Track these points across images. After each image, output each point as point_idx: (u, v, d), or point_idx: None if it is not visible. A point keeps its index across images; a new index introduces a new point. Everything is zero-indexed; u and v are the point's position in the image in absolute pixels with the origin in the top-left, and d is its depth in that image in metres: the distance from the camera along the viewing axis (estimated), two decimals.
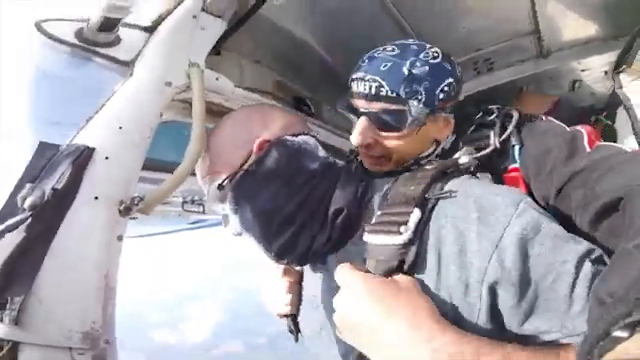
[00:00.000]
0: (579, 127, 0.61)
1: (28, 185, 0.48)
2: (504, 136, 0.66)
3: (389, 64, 0.62)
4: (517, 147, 0.65)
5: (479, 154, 0.65)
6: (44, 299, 0.47)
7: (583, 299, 0.41)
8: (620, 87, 1.16)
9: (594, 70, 1.46)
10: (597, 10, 1.07)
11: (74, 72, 0.58)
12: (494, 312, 0.44)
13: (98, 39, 0.57)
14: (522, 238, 0.43)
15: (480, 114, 0.73)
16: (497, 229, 0.44)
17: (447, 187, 0.50)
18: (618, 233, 0.44)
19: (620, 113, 1.32)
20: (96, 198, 0.52)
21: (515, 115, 0.68)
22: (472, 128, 0.72)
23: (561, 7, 1.04)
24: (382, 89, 0.61)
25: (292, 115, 0.66)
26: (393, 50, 0.64)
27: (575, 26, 1.15)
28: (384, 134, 0.64)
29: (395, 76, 0.61)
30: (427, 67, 0.62)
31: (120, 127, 0.55)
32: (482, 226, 0.45)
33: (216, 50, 0.79)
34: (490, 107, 0.73)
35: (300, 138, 0.61)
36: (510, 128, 0.66)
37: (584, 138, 0.58)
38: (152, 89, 0.60)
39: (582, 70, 1.46)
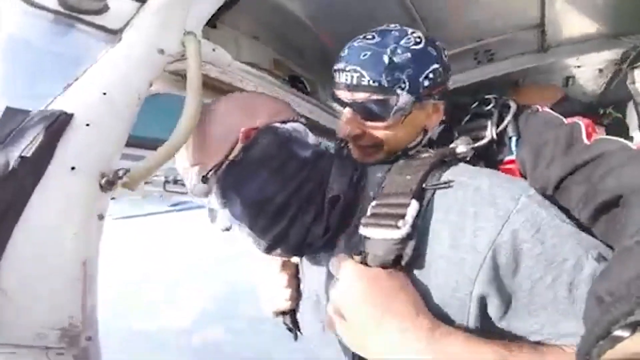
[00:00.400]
0: (576, 119, 0.60)
1: None
2: (501, 127, 0.66)
3: (369, 53, 0.60)
4: (514, 139, 0.64)
5: (476, 144, 0.64)
6: (9, 291, 0.40)
7: (584, 300, 0.38)
8: (633, 83, 1.17)
9: (588, 67, 1.48)
10: (602, 7, 1.07)
11: (56, 41, 0.53)
12: (485, 310, 0.42)
13: (84, 6, 0.51)
14: (520, 236, 0.41)
15: (476, 103, 0.72)
16: (495, 224, 0.41)
17: (444, 177, 0.47)
18: (614, 229, 0.43)
19: (630, 108, 1.35)
20: (73, 169, 0.45)
21: (513, 106, 0.68)
22: (468, 117, 0.71)
23: (569, 2, 1.03)
24: (363, 79, 0.59)
25: (279, 103, 0.62)
26: (373, 37, 0.62)
27: (579, 22, 1.14)
28: (369, 124, 0.62)
29: (376, 65, 0.59)
30: (409, 54, 0.60)
31: (105, 93, 0.48)
32: (479, 221, 0.42)
33: (212, 23, 0.73)
34: (487, 96, 0.72)
35: (290, 125, 0.58)
36: (508, 119, 0.66)
37: (582, 130, 0.57)
38: (143, 54, 0.53)
39: (577, 67, 1.48)
